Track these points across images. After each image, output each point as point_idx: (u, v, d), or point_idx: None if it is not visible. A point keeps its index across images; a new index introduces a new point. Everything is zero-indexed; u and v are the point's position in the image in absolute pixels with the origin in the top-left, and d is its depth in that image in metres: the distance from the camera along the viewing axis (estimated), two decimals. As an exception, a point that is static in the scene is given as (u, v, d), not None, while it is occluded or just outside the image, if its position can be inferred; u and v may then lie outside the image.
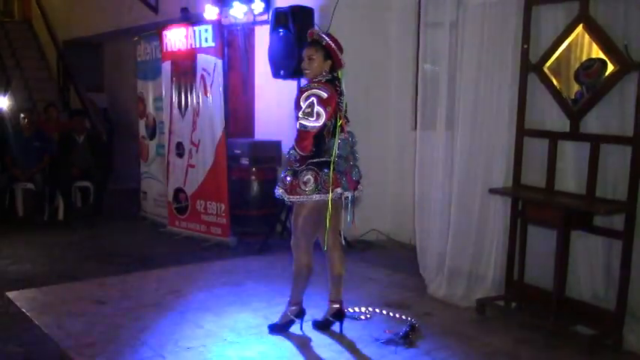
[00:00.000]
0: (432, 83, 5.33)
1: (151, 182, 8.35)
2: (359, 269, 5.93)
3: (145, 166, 8.36)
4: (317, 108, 3.81)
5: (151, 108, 8.18)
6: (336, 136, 3.94)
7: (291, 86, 6.34)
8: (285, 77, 6.31)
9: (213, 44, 6.81)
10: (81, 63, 12.20)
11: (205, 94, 6.90)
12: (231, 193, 6.87)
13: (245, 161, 7.21)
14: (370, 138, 6.33)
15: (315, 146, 3.91)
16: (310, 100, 3.83)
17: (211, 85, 6.88)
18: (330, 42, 3.96)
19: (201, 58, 6.94)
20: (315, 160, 3.94)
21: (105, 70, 12.81)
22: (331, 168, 3.90)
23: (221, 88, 6.78)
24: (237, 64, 7.89)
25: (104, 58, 12.92)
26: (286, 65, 6.20)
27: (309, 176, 3.95)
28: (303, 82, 4.18)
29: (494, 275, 5.03)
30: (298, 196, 4.00)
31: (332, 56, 3.97)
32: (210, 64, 6.84)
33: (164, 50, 7.51)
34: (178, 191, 7.47)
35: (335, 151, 3.92)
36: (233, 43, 7.84)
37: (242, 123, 8.02)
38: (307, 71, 4.00)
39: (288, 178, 4.00)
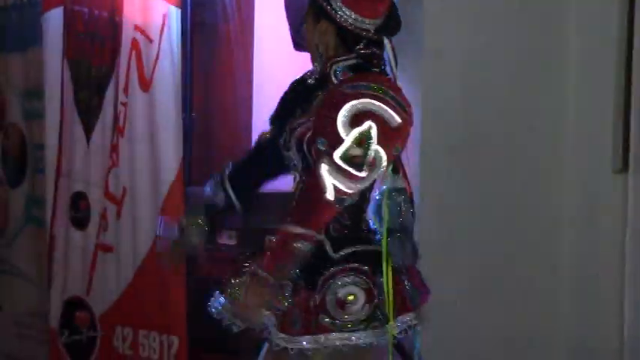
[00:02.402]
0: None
1: (15, 284, 5.50)
2: None
3: (0, 247, 5.63)
4: (375, 149, 2.47)
5: (15, 114, 5.47)
6: (386, 192, 2.69)
7: None
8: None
9: None
10: None
11: (143, 85, 4.38)
12: (195, 313, 4.42)
13: (231, 237, 4.68)
14: (516, 187, 4.51)
15: (350, 217, 2.67)
16: (365, 127, 2.47)
17: (155, 65, 4.40)
18: None
19: (131, 2, 4.52)
20: (361, 249, 2.65)
21: None
22: (386, 267, 2.65)
23: (178, 74, 4.36)
24: (216, 24, 5.24)
25: None
26: None
27: (353, 289, 2.62)
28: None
29: None
30: (325, 336, 2.61)
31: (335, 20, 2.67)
32: (153, 17, 4.36)
33: None
34: (73, 306, 4.79)
35: (387, 222, 2.69)
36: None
37: (226, 147, 5.45)
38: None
39: (286, 294, 2.62)
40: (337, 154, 2.46)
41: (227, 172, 2.95)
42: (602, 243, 4.48)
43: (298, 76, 2.91)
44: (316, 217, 2.53)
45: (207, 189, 2.97)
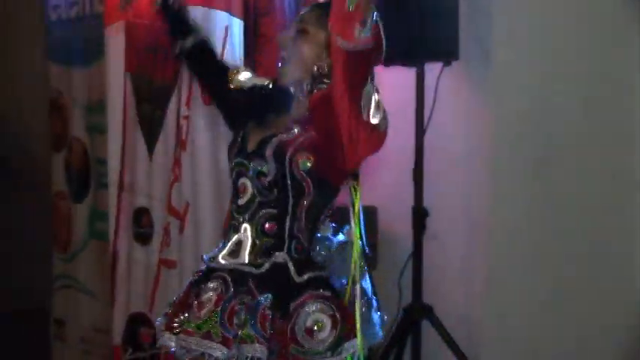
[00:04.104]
0: None
1: (78, 298, 5.43)
2: None
3: (63, 261, 5.50)
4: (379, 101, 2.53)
5: (78, 128, 5.39)
6: (357, 201, 2.72)
7: (408, 80, 3.97)
8: (388, 62, 3.72)
9: None
10: None
11: (205, 98, 4.25)
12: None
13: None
14: (590, 203, 4.31)
15: (307, 239, 2.68)
16: (367, 87, 2.46)
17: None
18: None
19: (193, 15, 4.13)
20: (320, 274, 2.68)
21: None
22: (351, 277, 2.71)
23: (243, 86, 4.29)
24: (279, 35, 4.67)
25: None
26: (393, 31, 3.25)
27: (320, 316, 2.66)
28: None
29: None
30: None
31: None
32: (215, 29, 4.29)
33: None
34: (137, 322, 4.72)
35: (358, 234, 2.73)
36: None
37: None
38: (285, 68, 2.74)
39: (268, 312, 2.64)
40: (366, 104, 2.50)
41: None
42: None
43: (267, 82, 2.88)
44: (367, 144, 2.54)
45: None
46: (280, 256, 2.61)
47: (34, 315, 6.24)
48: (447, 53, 3.75)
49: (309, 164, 2.58)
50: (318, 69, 2.68)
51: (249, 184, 2.65)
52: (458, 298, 3.96)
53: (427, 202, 3.68)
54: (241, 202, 2.66)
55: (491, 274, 3.87)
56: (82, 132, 5.42)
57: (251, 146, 2.66)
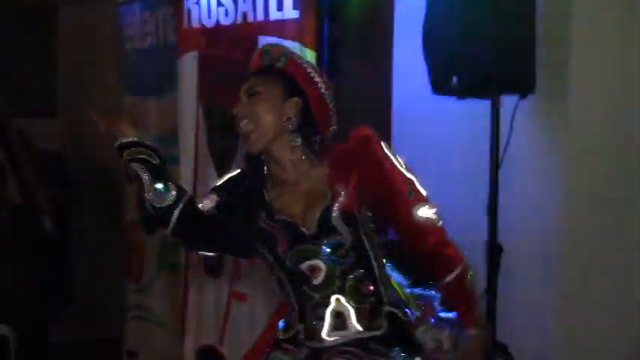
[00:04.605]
0: None
1: (149, 329, 5.48)
2: None
3: (137, 293, 5.57)
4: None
5: None
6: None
7: (480, 116, 3.92)
8: (463, 94, 3.90)
9: (295, 13, 4.20)
10: (5, 54, 7.80)
11: None
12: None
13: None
14: None
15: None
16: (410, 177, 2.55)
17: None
18: (304, 66, 2.60)
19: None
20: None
21: (59, 69, 8.21)
22: None
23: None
24: (354, 66, 4.94)
25: (58, 41, 8.20)
26: (468, 62, 3.78)
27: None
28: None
29: None
30: None
31: (307, 96, 2.56)
32: None
33: (184, 26, 4.66)
34: (207, 355, 4.77)
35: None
36: (344, 15, 4.87)
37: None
38: (247, 128, 2.50)
39: None
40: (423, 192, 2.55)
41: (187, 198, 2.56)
42: None
43: (237, 172, 2.69)
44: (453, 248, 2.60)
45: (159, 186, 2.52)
46: (388, 310, 2.56)
47: (108, 347, 6.23)
48: (524, 85, 3.71)
49: (369, 213, 2.53)
50: (287, 123, 2.57)
51: (320, 262, 2.51)
52: (533, 337, 3.88)
53: (501, 236, 3.62)
54: (317, 281, 2.51)
55: (566, 312, 3.80)
56: (155, 162, 5.19)
57: (309, 228, 2.50)
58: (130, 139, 2.47)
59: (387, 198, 2.50)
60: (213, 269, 4.65)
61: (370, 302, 2.48)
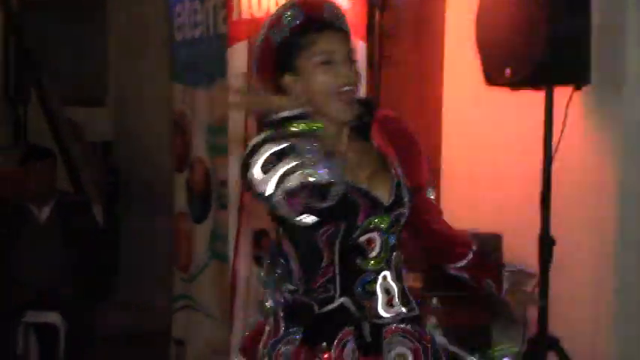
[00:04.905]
0: None
1: (197, 319, 5.46)
2: None
3: (185, 282, 5.58)
4: None
5: (200, 149, 5.45)
6: None
7: (535, 106, 3.88)
8: (516, 85, 3.91)
9: (346, 2, 4.10)
10: (58, 43, 8.09)
11: None
12: None
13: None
14: None
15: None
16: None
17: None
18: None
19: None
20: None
21: (110, 59, 8.43)
22: None
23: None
24: (405, 57, 4.99)
25: (109, 33, 8.40)
26: (522, 53, 3.77)
27: None
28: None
29: None
30: None
31: None
32: None
33: (234, 18, 4.64)
34: None
35: None
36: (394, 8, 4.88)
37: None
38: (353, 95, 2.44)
39: None
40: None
41: None
42: None
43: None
44: None
45: None
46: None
47: (155, 336, 6.26)
48: (578, 77, 3.67)
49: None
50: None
51: (376, 235, 2.42)
52: (585, 330, 3.86)
53: (553, 230, 3.61)
54: (373, 254, 2.43)
55: (619, 305, 3.77)
56: (203, 153, 5.46)
57: (386, 198, 2.42)
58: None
59: (411, 178, 2.47)
60: (262, 259, 4.47)
61: (404, 286, 2.49)
